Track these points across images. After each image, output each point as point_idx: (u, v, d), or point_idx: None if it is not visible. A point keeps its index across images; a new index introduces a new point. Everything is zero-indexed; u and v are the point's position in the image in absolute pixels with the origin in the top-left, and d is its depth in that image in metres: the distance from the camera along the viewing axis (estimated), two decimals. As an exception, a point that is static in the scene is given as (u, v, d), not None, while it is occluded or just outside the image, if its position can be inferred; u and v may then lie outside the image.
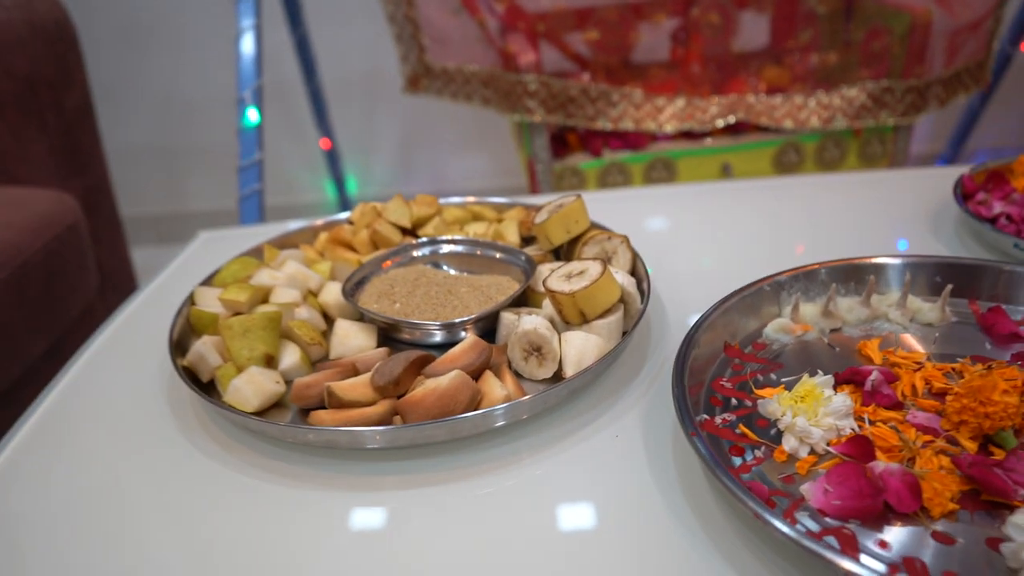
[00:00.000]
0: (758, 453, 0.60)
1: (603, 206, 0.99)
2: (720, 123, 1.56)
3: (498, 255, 0.85)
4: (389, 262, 0.85)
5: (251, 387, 0.68)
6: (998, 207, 0.88)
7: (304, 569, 0.55)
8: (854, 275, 0.77)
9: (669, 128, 1.56)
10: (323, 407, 0.67)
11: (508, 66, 1.54)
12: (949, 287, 0.73)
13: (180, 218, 2.52)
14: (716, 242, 0.96)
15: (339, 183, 2.26)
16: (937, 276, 0.76)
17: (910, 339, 0.72)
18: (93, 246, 1.40)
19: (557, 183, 1.64)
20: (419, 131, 2.44)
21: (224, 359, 0.72)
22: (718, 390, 0.67)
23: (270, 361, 0.72)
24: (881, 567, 0.49)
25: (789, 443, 0.60)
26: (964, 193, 0.94)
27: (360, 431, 0.61)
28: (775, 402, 0.61)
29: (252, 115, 1.44)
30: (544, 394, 0.64)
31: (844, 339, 0.73)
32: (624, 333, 0.73)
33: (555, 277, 0.74)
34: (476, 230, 0.92)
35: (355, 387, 0.66)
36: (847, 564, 0.46)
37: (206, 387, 0.73)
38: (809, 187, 1.11)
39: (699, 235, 0.99)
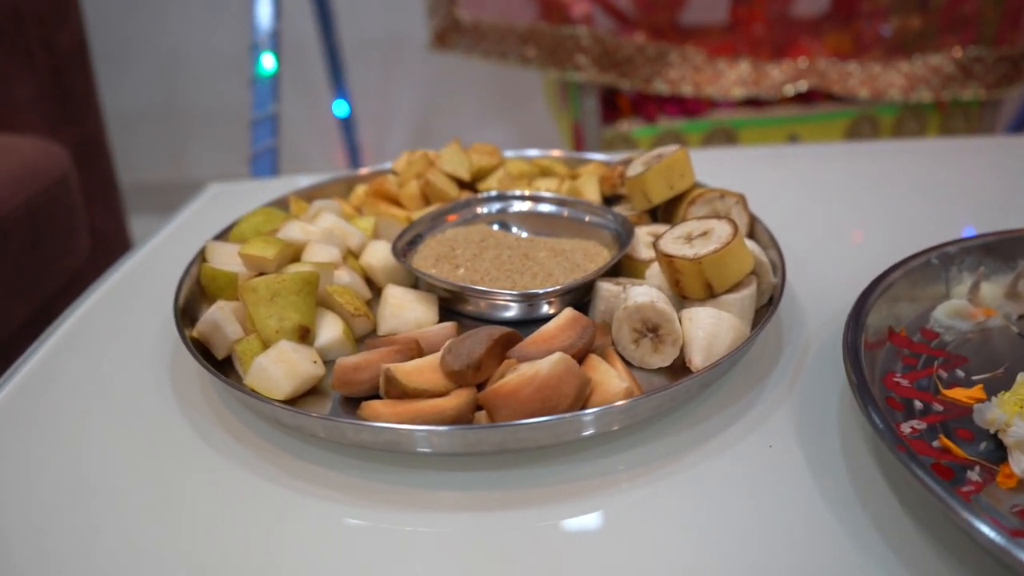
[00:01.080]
0: (973, 476, 0.44)
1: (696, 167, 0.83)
2: (790, 90, 1.39)
3: (585, 216, 0.69)
4: (449, 218, 0.69)
5: (281, 367, 0.52)
6: None
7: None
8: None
9: (737, 93, 1.40)
10: (377, 396, 0.51)
11: (553, 18, 1.37)
12: None
13: (184, 186, 2.33)
14: (844, 210, 0.81)
15: (353, 153, 2.09)
16: None
17: (1125, 330, 0.56)
18: (85, 206, 1.24)
19: (606, 151, 1.48)
20: (439, 100, 2.28)
21: (246, 331, 0.56)
22: (894, 389, 0.51)
23: (305, 335, 0.55)
24: None
25: (1020, 464, 0.44)
26: None
27: (436, 432, 0.46)
28: (996, 407, 0.45)
29: (267, 62, 1.27)
30: (674, 389, 0.48)
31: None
32: (758, 314, 0.57)
33: (671, 239, 0.58)
34: (547, 186, 0.76)
35: (422, 371, 0.50)
36: None
37: (221, 365, 0.57)
38: (946, 152, 0.95)
39: (822, 202, 0.83)
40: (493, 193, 0.71)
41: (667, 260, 0.56)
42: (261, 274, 0.59)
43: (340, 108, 2.00)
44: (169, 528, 0.46)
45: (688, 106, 1.45)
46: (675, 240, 0.58)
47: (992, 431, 0.46)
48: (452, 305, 0.62)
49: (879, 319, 0.56)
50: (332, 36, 1.84)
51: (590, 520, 0.45)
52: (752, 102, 1.47)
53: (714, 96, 1.42)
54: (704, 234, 0.57)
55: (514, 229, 0.71)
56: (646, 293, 0.54)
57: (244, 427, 0.54)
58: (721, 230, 0.57)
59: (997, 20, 1.35)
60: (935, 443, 0.47)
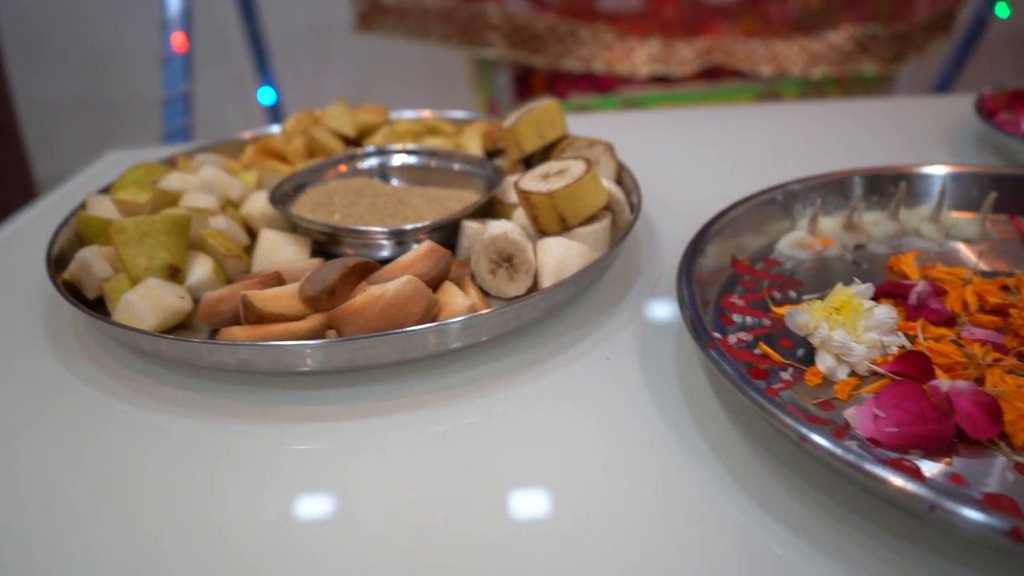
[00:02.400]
0: (785, 376, 0.48)
1: (579, 129, 0.86)
2: (696, 67, 1.44)
3: (459, 166, 0.72)
4: (330, 172, 0.71)
5: (148, 302, 0.54)
6: (1026, 124, 0.77)
7: (210, 514, 0.41)
8: (879, 186, 0.66)
9: (644, 71, 1.44)
10: (238, 324, 0.53)
11: (466, -4, 1.40)
12: (993, 195, 0.62)
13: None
14: (712, 164, 0.85)
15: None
16: (973, 188, 0.65)
17: (949, 255, 0.61)
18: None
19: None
20: (368, 84, 2.29)
21: (115, 270, 0.58)
22: (729, 308, 0.55)
23: (174, 273, 0.57)
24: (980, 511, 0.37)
25: (825, 362, 0.48)
26: (986, 113, 0.83)
27: (284, 347, 0.48)
28: (807, 313, 0.49)
29: (177, 40, 1.28)
30: (516, 306, 0.51)
31: (871, 255, 0.62)
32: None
33: (529, 177, 0.61)
34: (433, 143, 0.79)
35: (279, 298, 0.52)
36: (944, 502, 0.34)
37: (95, 307, 0.58)
38: (811, 112, 1.00)
39: (693, 156, 0.87)
40: (372, 148, 0.73)
41: (524, 196, 0.59)
42: (135, 219, 0.61)
43: (266, 95, 2.00)
44: (37, 456, 0.47)
45: (599, 83, 1.49)
46: (533, 178, 0.61)
47: (803, 335, 0.49)
48: (329, 248, 0.64)
49: (722, 249, 0.59)
50: (255, 24, 1.85)
51: (443, 427, 0.47)
52: (661, 79, 1.51)
53: (624, 73, 1.46)
54: (560, 172, 0.60)
55: (394, 181, 0.73)
56: (501, 226, 0.57)
57: (113, 360, 0.55)
58: (576, 168, 0.60)
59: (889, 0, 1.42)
60: (756, 351, 0.51)
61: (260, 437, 0.47)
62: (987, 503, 0.39)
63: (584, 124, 0.98)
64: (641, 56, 1.44)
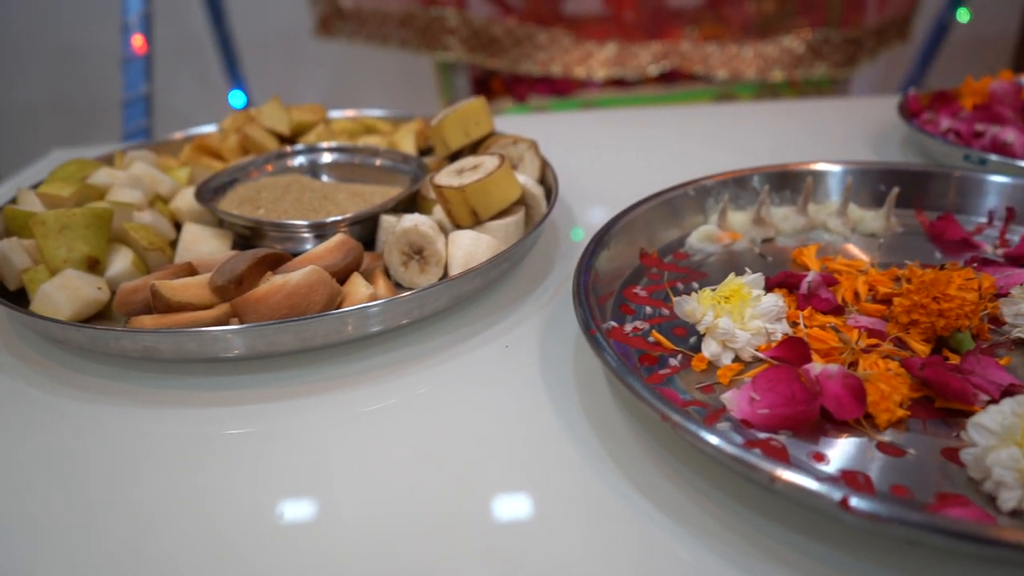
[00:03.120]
0: (673, 362, 0.50)
1: (528, 127, 0.88)
2: (653, 70, 1.46)
3: (386, 163, 0.73)
4: (257, 171, 0.73)
5: (64, 292, 0.55)
6: (945, 123, 0.80)
7: (115, 489, 0.43)
8: (789, 183, 0.68)
9: (601, 75, 1.46)
10: (151, 313, 0.54)
11: (427, 1, 1.42)
12: (896, 190, 0.64)
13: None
14: (642, 162, 0.86)
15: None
16: (881, 184, 0.67)
17: (852, 248, 0.63)
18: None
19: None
20: (341, 87, 2.31)
21: (36, 262, 0.59)
22: (630, 298, 0.57)
23: (94, 265, 0.59)
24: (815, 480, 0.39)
25: (710, 348, 0.49)
26: (911, 113, 0.85)
27: (185, 334, 0.49)
28: (694, 301, 0.51)
29: (137, 42, 1.29)
30: (418, 295, 0.52)
31: (778, 248, 0.64)
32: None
33: (445, 172, 0.63)
34: (371, 142, 0.80)
35: (188, 287, 0.54)
36: (781, 472, 0.36)
37: (17, 298, 0.59)
38: (746, 113, 1.02)
39: (624, 155, 0.89)
40: (301, 146, 0.75)
41: (438, 191, 0.61)
42: (59, 213, 0.62)
43: (236, 99, 2.01)
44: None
45: (557, 86, 1.51)
46: (448, 174, 0.62)
47: (691, 323, 0.51)
48: (253, 242, 0.66)
49: (631, 242, 0.61)
50: (224, 27, 1.86)
51: (348, 409, 0.49)
52: (619, 82, 1.53)
53: (582, 76, 1.48)
54: (474, 168, 0.62)
55: (324, 177, 0.74)
56: (413, 220, 0.59)
57: (31, 350, 0.56)
58: (490, 164, 0.62)
59: (841, 4, 1.44)
60: (650, 338, 0.52)
61: (168, 422, 0.49)
62: (843, 479, 0.40)
63: (534, 123, 1.00)
64: (598, 60, 1.46)
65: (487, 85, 1.56)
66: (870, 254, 0.62)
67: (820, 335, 0.49)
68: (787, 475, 0.36)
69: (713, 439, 0.38)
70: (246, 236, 0.66)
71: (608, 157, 0.89)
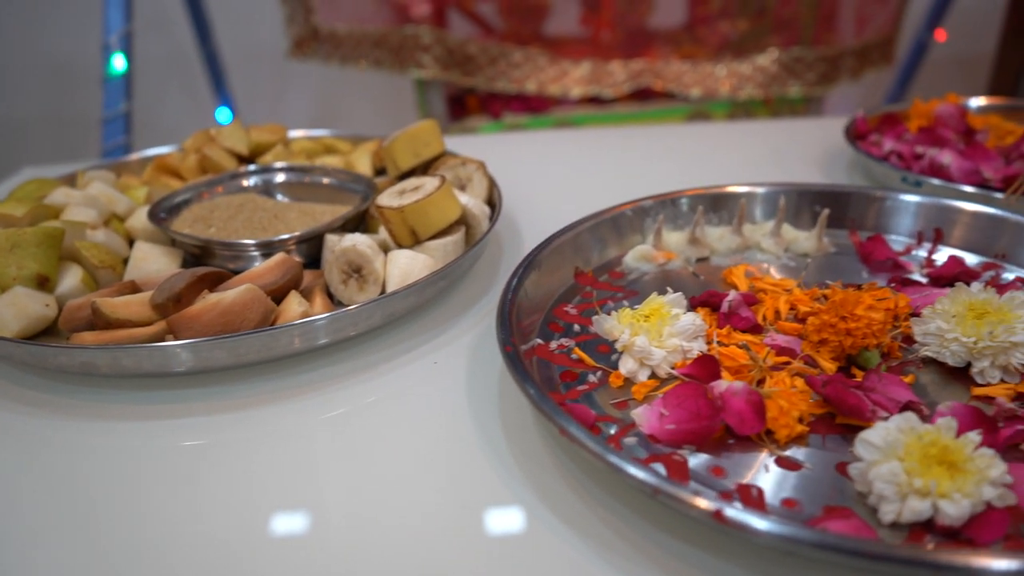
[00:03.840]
0: (592, 378, 0.51)
1: (484, 147, 0.90)
2: (627, 88, 1.48)
3: (337, 183, 0.75)
4: (211, 192, 0.75)
5: (12, 309, 0.57)
6: (889, 145, 0.81)
7: (44, 504, 0.44)
8: (725, 203, 0.70)
9: (575, 92, 1.48)
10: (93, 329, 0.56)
11: (401, 20, 1.44)
12: (825, 212, 0.66)
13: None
14: (598, 182, 0.88)
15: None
16: (816, 205, 0.69)
17: (783, 268, 0.65)
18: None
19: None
20: (329, 105, 2.33)
21: (-12, 280, 0.61)
22: (560, 316, 0.58)
23: (44, 283, 0.60)
24: (709, 495, 0.41)
25: (627, 365, 0.51)
26: (857, 134, 0.87)
27: (120, 350, 0.51)
28: (613, 319, 0.53)
29: (118, 62, 1.32)
30: (350, 312, 0.54)
31: (711, 268, 0.65)
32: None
33: (387, 193, 0.64)
34: (329, 162, 0.82)
35: (128, 305, 0.55)
36: (661, 485, 0.38)
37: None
38: (697, 135, 1.04)
39: (582, 175, 0.91)
40: (256, 167, 0.77)
41: (380, 211, 0.63)
42: (13, 231, 0.64)
43: (223, 115, 2.04)
44: None
45: (532, 103, 1.53)
46: (390, 195, 0.64)
47: (610, 340, 0.53)
48: (203, 261, 0.68)
49: (567, 261, 0.63)
50: (210, 45, 1.89)
51: (278, 424, 0.50)
52: (593, 100, 1.55)
53: (556, 94, 1.50)
54: (416, 188, 0.64)
55: (279, 197, 0.76)
56: (352, 239, 0.61)
57: (-20, 367, 0.58)
58: (430, 185, 0.63)
59: (814, 23, 1.46)
60: (573, 355, 0.54)
61: (107, 436, 0.50)
62: (737, 492, 0.42)
63: (500, 142, 1.02)
64: (573, 77, 1.48)
65: (462, 102, 1.59)
66: (799, 274, 0.63)
67: (731, 353, 0.51)
68: (667, 488, 0.37)
69: (599, 450, 0.39)
70: (196, 255, 0.68)
71: (566, 177, 0.91)
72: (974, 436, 0.41)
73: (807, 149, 0.93)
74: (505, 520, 0.42)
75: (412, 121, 2.15)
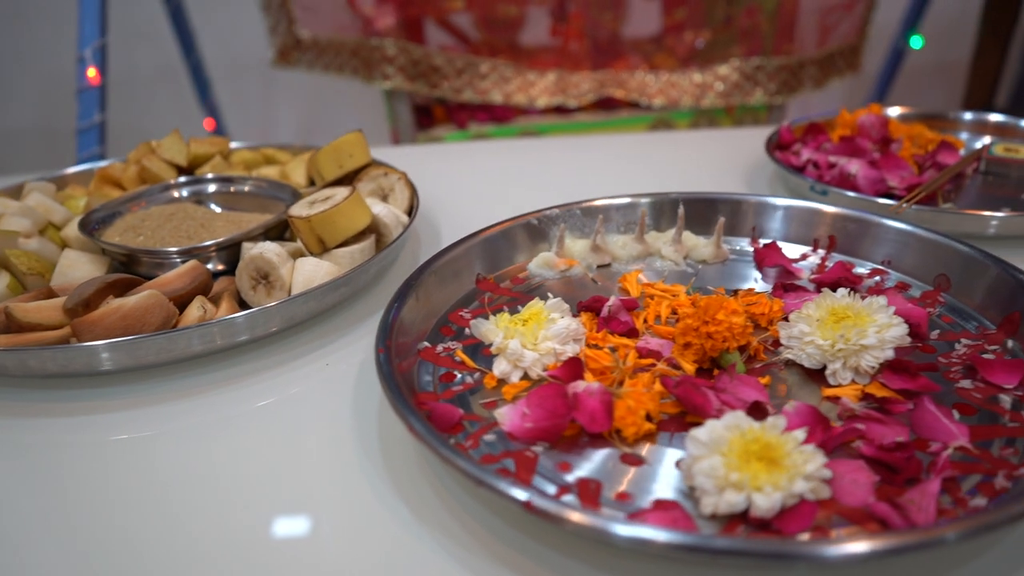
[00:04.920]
0: (470, 379, 0.54)
1: (433, 157, 0.93)
2: (591, 98, 1.51)
3: (264, 192, 0.79)
4: (145, 201, 0.78)
5: (-65, 314, 0.60)
6: (806, 155, 0.84)
7: None
8: (631, 212, 0.72)
9: (541, 102, 1.51)
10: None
11: (368, 32, 1.48)
12: (721, 220, 0.68)
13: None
14: (530, 192, 0.91)
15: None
16: (721, 214, 0.72)
17: (680, 274, 0.67)
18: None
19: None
20: (316, 114, 2.38)
21: (-82, 286, 0.65)
22: (454, 320, 0.61)
23: (-29, 289, 0.64)
24: (548, 488, 0.43)
25: (500, 367, 0.54)
26: (781, 144, 0.90)
27: (24, 352, 0.54)
28: (491, 323, 0.55)
29: (91, 74, 1.36)
30: (246, 316, 0.57)
31: (612, 274, 0.68)
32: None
33: (300, 203, 0.68)
34: (268, 173, 0.86)
35: (41, 309, 0.59)
36: (487, 478, 0.40)
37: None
38: (638, 144, 1.06)
39: (514, 184, 0.94)
40: (186, 178, 0.80)
41: (291, 221, 0.66)
42: (-53, 240, 0.67)
43: (209, 125, 2.08)
44: None
45: (497, 113, 1.56)
46: (301, 205, 0.67)
47: (486, 343, 0.55)
48: (130, 268, 0.71)
49: (469, 268, 0.66)
50: (194, 56, 1.93)
51: (164, 425, 0.53)
52: (559, 109, 1.58)
53: (522, 103, 1.53)
54: (326, 199, 0.67)
55: (213, 207, 0.80)
56: (261, 247, 0.64)
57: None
58: (339, 195, 0.67)
59: (774, 34, 1.49)
60: (456, 357, 0.57)
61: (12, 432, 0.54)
62: (577, 486, 0.44)
63: (453, 151, 1.05)
64: (539, 87, 1.52)
65: (429, 112, 1.62)
66: (690, 280, 0.66)
67: (598, 356, 0.54)
68: (487, 479, 0.40)
69: (434, 443, 0.42)
70: (124, 262, 0.71)
71: (505, 184, 0.93)
72: (798, 434, 0.43)
73: (740, 158, 0.95)
74: (366, 513, 0.45)
75: (384, 130, 2.18)
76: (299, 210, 0.66)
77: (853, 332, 0.52)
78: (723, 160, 0.95)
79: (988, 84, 2.07)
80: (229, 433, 0.52)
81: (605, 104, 1.58)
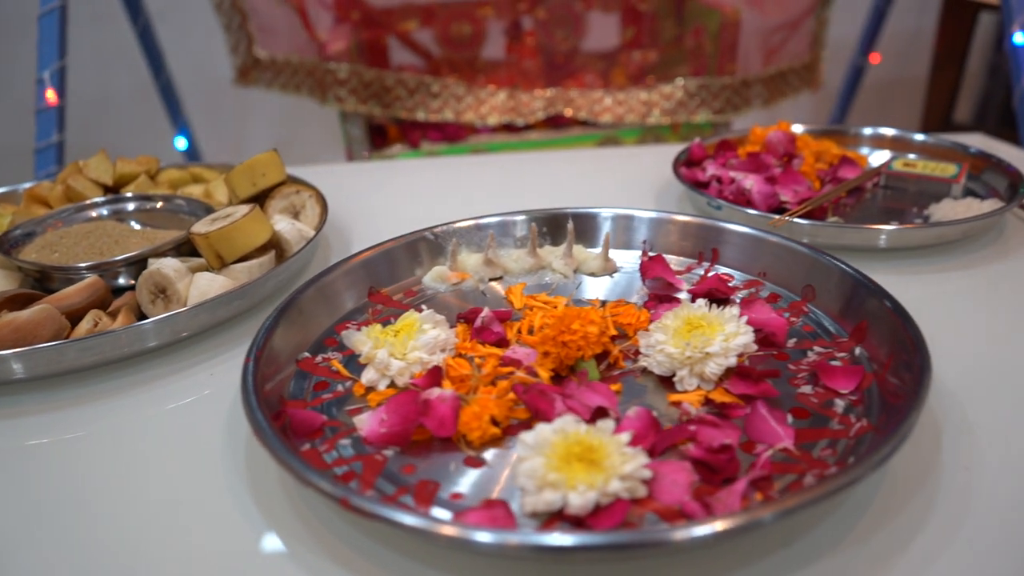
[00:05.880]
0: (341, 388, 0.57)
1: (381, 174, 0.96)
2: (541, 115, 1.55)
3: (181, 210, 0.82)
4: (63, 220, 0.81)
5: None
6: (711, 170, 0.87)
7: None
8: (526, 227, 0.75)
9: (492, 120, 1.55)
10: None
11: (322, 56, 1.52)
12: (607, 234, 0.71)
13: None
14: (442, 209, 0.94)
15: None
16: (611, 229, 0.74)
17: (568, 286, 0.70)
18: None
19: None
20: (290, 132, 2.41)
21: None
22: (339, 331, 0.64)
23: None
24: (386, 488, 0.46)
25: (367, 376, 0.56)
26: (691, 160, 0.93)
27: (-85, 363, 0.57)
28: (362, 334, 0.58)
29: (49, 95, 1.40)
30: (134, 329, 0.60)
31: (502, 286, 0.71)
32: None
33: (203, 220, 0.70)
34: (193, 191, 0.89)
35: (-59, 323, 0.61)
36: (311, 477, 0.43)
37: None
38: (567, 160, 1.09)
39: (433, 203, 0.96)
40: (104, 198, 0.83)
41: (192, 237, 0.69)
42: None
43: (180, 143, 2.12)
44: None
45: (449, 132, 1.60)
46: (204, 222, 0.70)
47: (356, 352, 0.58)
48: (44, 284, 0.74)
49: (361, 281, 0.68)
50: (163, 76, 1.97)
51: (65, 431, 0.56)
52: (510, 127, 1.62)
53: (473, 122, 1.56)
54: (226, 216, 0.70)
55: (133, 224, 0.83)
56: (159, 263, 0.66)
57: None
58: (239, 213, 0.69)
59: (717, 54, 1.52)
60: (332, 367, 0.59)
61: None
62: (416, 487, 0.47)
63: (389, 169, 1.07)
64: (490, 105, 1.55)
65: (384, 131, 1.66)
66: (570, 292, 0.69)
67: (458, 364, 0.56)
68: (310, 477, 0.43)
69: (274, 445, 0.45)
70: (38, 279, 0.74)
71: (422, 201, 0.96)
72: (623, 437, 0.46)
73: (657, 175, 0.98)
74: (218, 502, 0.48)
75: (340, 149, 2.21)
76: (200, 227, 0.69)
77: (700, 340, 0.54)
78: (639, 177, 0.98)
79: (946, 99, 2.11)
80: (118, 441, 0.55)
81: (555, 122, 1.62)
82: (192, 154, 2.15)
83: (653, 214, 0.74)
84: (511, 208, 0.77)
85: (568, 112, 1.54)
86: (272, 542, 0.45)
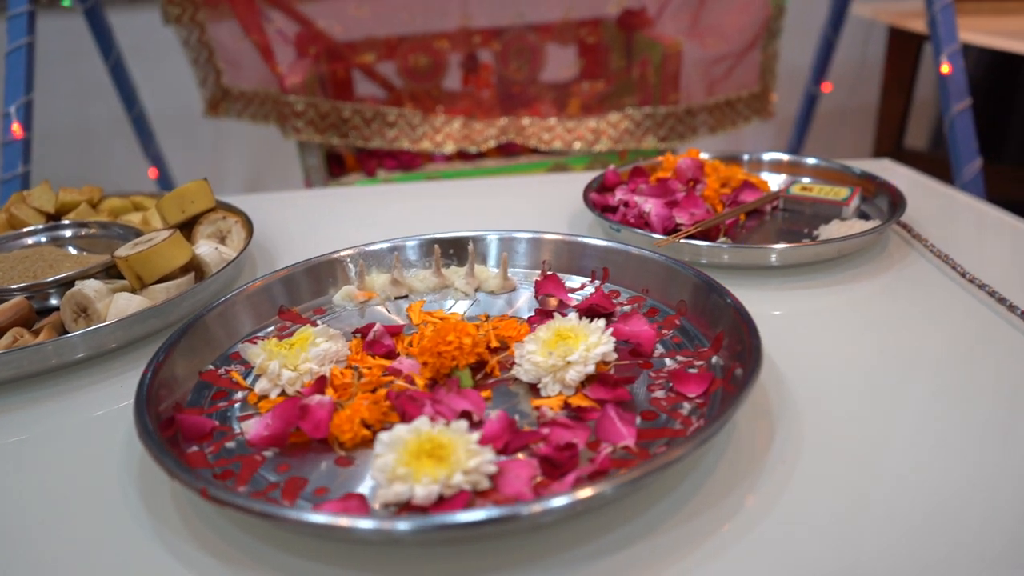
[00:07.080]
0: (237, 396, 0.61)
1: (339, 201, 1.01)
2: (493, 143, 1.61)
3: (115, 235, 0.87)
4: (4, 245, 0.86)
5: None
6: (619, 195, 0.92)
7: None
8: (432, 249, 0.80)
9: (447, 148, 1.61)
10: None
11: (282, 87, 1.58)
12: (504, 254, 0.76)
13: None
14: (367, 233, 0.99)
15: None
16: (519, 251, 0.79)
17: (468, 304, 0.75)
18: None
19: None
20: (265, 160, 2.47)
21: None
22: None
23: None
24: (258, 483, 0.50)
25: (260, 385, 0.61)
26: (605, 186, 0.98)
27: None
28: (259, 347, 0.63)
29: (14, 128, 1.46)
30: (54, 343, 0.65)
31: (406, 304, 0.75)
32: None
33: (125, 246, 0.75)
34: (133, 219, 0.94)
35: None
36: (178, 472, 0.48)
37: None
38: (483, 188, 1.15)
39: (361, 227, 1.01)
40: (43, 226, 0.88)
41: (116, 260, 0.74)
42: None
43: (153, 174, 2.18)
44: None
45: (404, 160, 1.66)
46: (128, 246, 0.75)
47: (252, 364, 0.63)
48: (-18, 305, 0.79)
49: (271, 299, 0.73)
50: (136, 108, 2.03)
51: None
52: (464, 155, 1.68)
53: (429, 150, 1.62)
54: (147, 240, 0.75)
55: (71, 249, 0.88)
56: (82, 284, 0.71)
57: None
58: (159, 237, 0.75)
59: (660, 84, 1.59)
60: (232, 379, 0.64)
61: None
62: (286, 484, 0.52)
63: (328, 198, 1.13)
64: (445, 134, 1.61)
65: (340, 159, 1.72)
66: (467, 308, 0.73)
67: (342, 374, 0.61)
68: (177, 471, 0.47)
69: (151, 445, 0.50)
70: (-26, 300, 0.79)
71: (351, 225, 1.01)
72: (473, 435, 0.51)
73: (573, 199, 1.03)
74: (107, 501, 0.52)
75: (299, 177, 2.26)
76: (122, 251, 0.74)
77: (563, 350, 0.59)
78: (557, 203, 1.03)
79: (896, 126, 2.18)
80: (31, 448, 0.59)
81: (508, 150, 1.68)
82: (165, 183, 2.21)
83: (552, 236, 0.79)
84: (427, 232, 0.82)
85: (519, 140, 1.60)
86: (155, 539, 0.50)
